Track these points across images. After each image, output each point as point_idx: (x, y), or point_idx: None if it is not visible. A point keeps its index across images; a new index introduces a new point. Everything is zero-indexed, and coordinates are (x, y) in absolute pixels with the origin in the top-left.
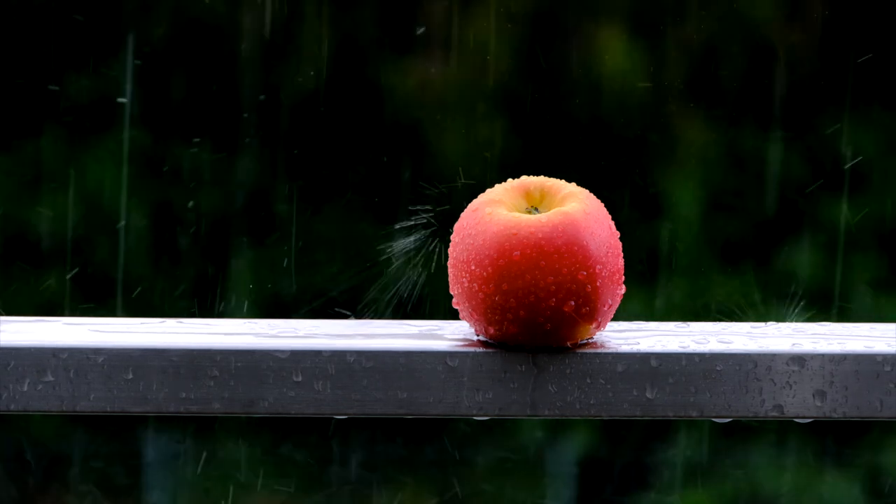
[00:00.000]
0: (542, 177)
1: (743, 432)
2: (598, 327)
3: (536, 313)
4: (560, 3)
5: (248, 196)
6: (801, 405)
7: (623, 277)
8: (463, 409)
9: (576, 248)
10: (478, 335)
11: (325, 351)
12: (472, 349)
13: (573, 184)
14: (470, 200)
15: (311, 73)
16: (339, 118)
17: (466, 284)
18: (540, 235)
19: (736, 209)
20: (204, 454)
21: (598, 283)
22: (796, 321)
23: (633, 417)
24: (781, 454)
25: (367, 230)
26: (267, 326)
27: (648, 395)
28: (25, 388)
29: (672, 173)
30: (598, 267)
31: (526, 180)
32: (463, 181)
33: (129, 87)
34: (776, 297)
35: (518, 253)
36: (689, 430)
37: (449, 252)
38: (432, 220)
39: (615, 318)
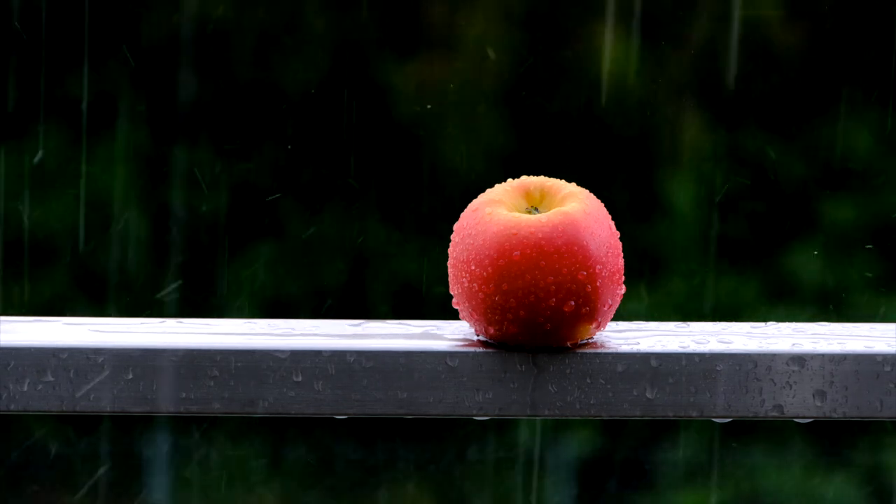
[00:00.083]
0: (542, 177)
1: (745, 434)
2: (598, 327)
3: (536, 313)
4: (560, 3)
5: (248, 196)
6: (801, 405)
7: (623, 277)
8: (463, 409)
9: (576, 248)
10: (478, 335)
11: (325, 351)
12: (472, 349)
13: (573, 184)
14: (470, 200)
15: (312, 72)
16: (339, 118)
17: (466, 284)
18: (540, 235)
19: (736, 209)
20: (204, 454)
21: (598, 283)
22: (796, 321)
23: (634, 417)
24: (781, 454)
25: (368, 230)
26: (267, 326)
27: (648, 395)
28: (25, 388)
29: (672, 173)
30: (598, 267)
31: (526, 180)
32: (463, 181)
33: (129, 87)
34: (776, 296)
35: (518, 253)
36: (688, 429)
37: (449, 252)
38: (432, 221)
39: (615, 318)
